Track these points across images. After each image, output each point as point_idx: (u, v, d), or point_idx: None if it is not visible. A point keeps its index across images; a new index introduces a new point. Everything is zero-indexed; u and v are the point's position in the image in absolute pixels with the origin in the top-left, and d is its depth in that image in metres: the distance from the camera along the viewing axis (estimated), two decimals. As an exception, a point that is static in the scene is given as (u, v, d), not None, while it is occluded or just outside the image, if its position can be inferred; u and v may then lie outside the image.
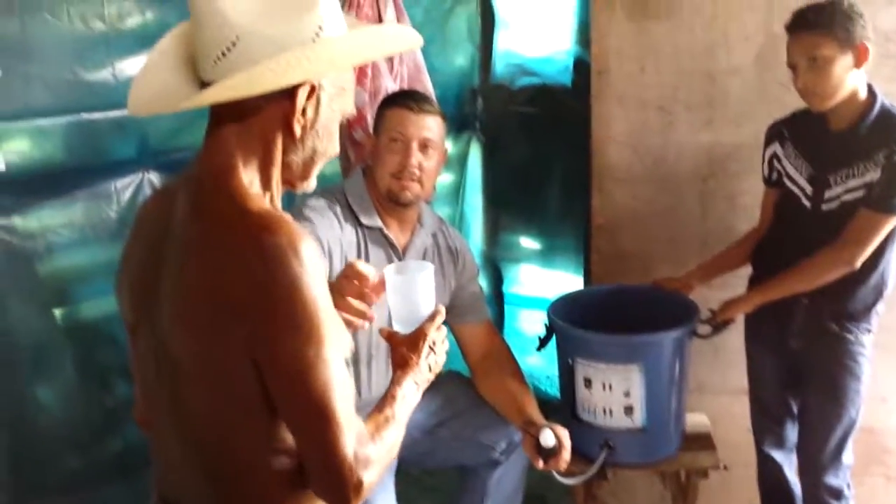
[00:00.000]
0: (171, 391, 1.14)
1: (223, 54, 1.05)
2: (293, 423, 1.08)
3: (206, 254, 1.06)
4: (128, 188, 2.07)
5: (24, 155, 1.90)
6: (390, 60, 2.35)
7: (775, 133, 2.16)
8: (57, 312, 2.02)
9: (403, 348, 1.37)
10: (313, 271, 1.03)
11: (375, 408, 1.23)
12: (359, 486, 1.07)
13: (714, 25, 2.37)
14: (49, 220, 1.97)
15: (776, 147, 2.14)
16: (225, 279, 1.03)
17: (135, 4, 2.01)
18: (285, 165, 1.15)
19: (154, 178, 2.10)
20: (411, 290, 1.40)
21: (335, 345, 1.06)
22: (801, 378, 2.19)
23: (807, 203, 2.07)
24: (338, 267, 1.95)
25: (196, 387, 1.10)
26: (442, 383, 2.25)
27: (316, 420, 1.05)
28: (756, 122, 2.29)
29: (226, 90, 1.03)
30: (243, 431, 1.10)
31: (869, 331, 2.09)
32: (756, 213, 2.28)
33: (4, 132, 1.83)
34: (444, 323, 2.20)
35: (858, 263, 1.96)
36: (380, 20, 2.30)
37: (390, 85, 2.34)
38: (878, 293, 2.06)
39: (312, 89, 1.10)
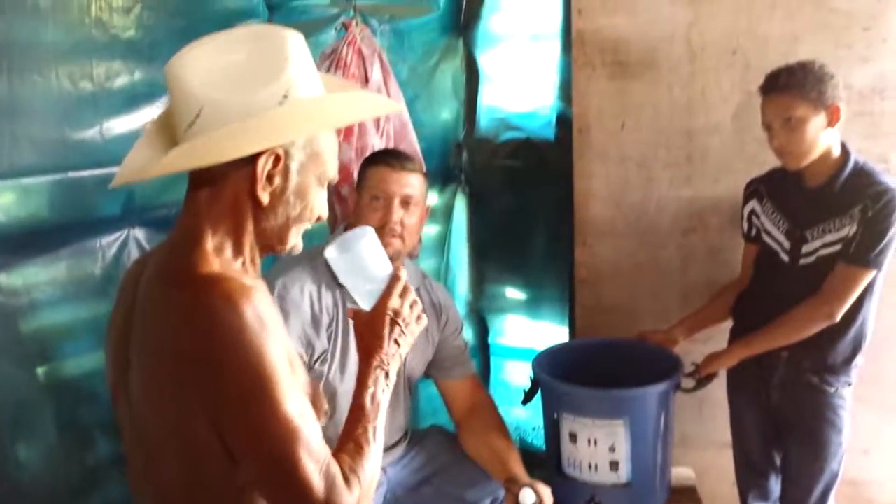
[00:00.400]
0: (143, 457, 1.14)
1: (191, 125, 1.06)
2: (258, 481, 1.07)
3: (161, 319, 1.07)
4: (113, 245, 2.06)
5: (8, 213, 1.89)
6: (377, 118, 2.38)
7: (753, 191, 2.21)
8: (40, 370, 2.00)
9: (363, 331, 1.30)
10: (257, 327, 1.03)
11: (345, 431, 1.20)
12: None
13: (692, 85, 2.43)
14: (33, 277, 1.96)
15: (754, 204, 2.19)
16: (176, 343, 1.04)
17: (123, 65, 2.03)
18: (259, 232, 1.15)
19: (139, 234, 2.10)
20: (359, 264, 1.31)
21: (289, 395, 1.04)
22: (782, 431, 2.20)
23: (785, 257, 2.10)
24: (323, 336, 1.96)
25: (164, 453, 1.10)
26: (425, 439, 2.25)
27: (280, 476, 1.04)
28: (734, 178, 2.34)
29: (176, 159, 1.04)
30: (213, 498, 1.10)
31: (849, 384, 2.11)
32: (736, 265, 2.32)
33: (-9, 191, 1.84)
34: (427, 376, 2.22)
35: (838, 317, 2.00)
36: (366, 80, 2.34)
37: (377, 142, 2.37)
38: (857, 346, 2.08)
39: (277, 158, 1.10)
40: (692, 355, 2.26)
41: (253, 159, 1.07)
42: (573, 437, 2.09)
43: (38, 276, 1.97)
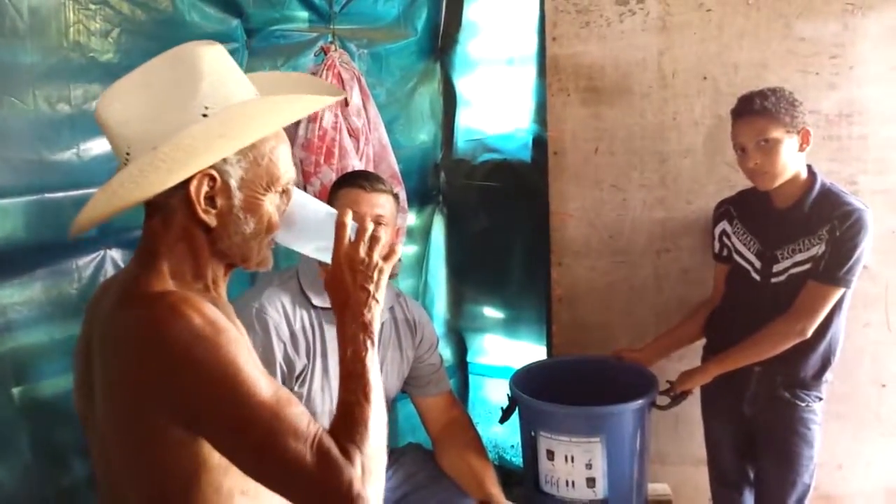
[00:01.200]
0: (109, 481, 1.14)
1: (125, 163, 1.06)
2: (257, 476, 1.05)
3: (114, 341, 1.07)
4: (89, 266, 2.07)
5: (-15, 234, 1.90)
6: (356, 140, 2.41)
7: (723, 212, 2.26)
8: (15, 391, 1.99)
9: (329, 289, 1.20)
10: (207, 330, 1.01)
11: (339, 402, 1.15)
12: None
13: (664, 110, 2.48)
14: (9, 297, 1.96)
15: (725, 225, 2.23)
16: (131, 363, 1.04)
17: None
18: (217, 253, 1.13)
19: (116, 255, 2.10)
20: (299, 226, 1.21)
21: (258, 384, 1.02)
22: (755, 445, 2.23)
23: (756, 276, 2.15)
24: (303, 354, 1.97)
25: (126, 477, 1.10)
26: (402, 457, 2.26)
27: (272, 464, 1.02)
28: (706, 200, 2.39)
29: (100, 203, 1.03)
30: None
31: (819, 398, 2.15)
32: (707, 285, 2.36)
33: (-33, 212, 1.84)
34: (404, 392, 2.23)
35: (810, 333, 2.05)
36: (345, 103, 2.37)
37: (357, 164, 2.40)
38: (827, 361, 2.13)
39: (213, 177, 1.08)
40: (667, 373, 2.29)
41: (186, 185, 1.05)
42: (550, 455, 2.10)
43: (13, 296, 1.97)
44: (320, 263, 1.25)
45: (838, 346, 2.14)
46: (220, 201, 1.09)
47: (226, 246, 1.13)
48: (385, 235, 2.04)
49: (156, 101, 1.05)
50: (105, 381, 1.09)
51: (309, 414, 1.08)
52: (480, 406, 3.35)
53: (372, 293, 1.18)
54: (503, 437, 3.19)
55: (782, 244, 2.10)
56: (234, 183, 1.09)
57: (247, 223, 1.12)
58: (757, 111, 2.02)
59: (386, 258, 1.21)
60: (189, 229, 1.10)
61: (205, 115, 1.05)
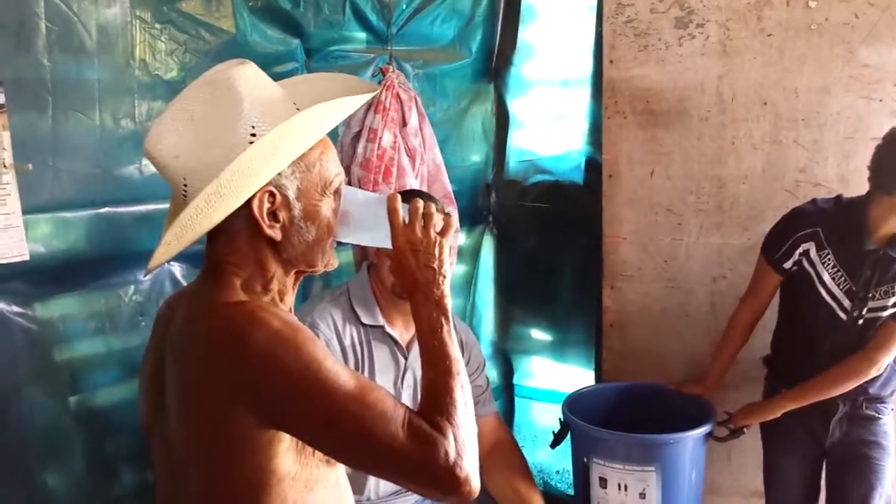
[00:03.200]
0: (174, 496, 1.15)
1: (184, 198, 1.07)
2: (359, 465, 1.11)
3: (192, 355, 1.08)
4: (147, 279, 2.11)
5: (48, 245, 1.94)
6: (412, 159, 2.42)
7: (813, 234, 2.11)
8: (71, 399, 2.03)
9: (397, 275, 1.25)
10: (289, 333, 1.04)
11: (423, 383, 1.16)
12: (458, 476, 1.05)
13: (722, 134, 2.45)
14: (69, 308, 2.01)
15: (810, 247, 2.11)
16: (211, 373, 1.05)
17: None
18: (288, 262, 1.15)
19: (175, 269, 2.14)
20: (355, 218, 1.22)
21: (340, 375, 1.04)
22: (834, 467, 2.19)
23: (842, 315, 2.09)
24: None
25: (198, 491, 1.11)
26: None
27: (370, 452, 1.05)
28: (764, 226, 2.32)
29: (174, 242, 1.06)
30: None
31: (893, 409, 2.15)
32: (769, 313, 2.28)
33: (32, 223, 1.88)
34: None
35: (884, 368, 2.05)
36: (404, 123, 2.40)
37: (413, 182, 2.42)
38: (893, 375, 2.13)
39: (272, 193, 1.10)
40: (722, 403, 2.25)
41: (248, 204, 1.08)
42: (603, 483, 2.07)
43: (73, 307, 2.02)
44: (380, 251, 1.25)
45: None
46: (281, 214, 1.12)
47: (292, 255, 1.15)
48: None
49: (202, 130, 1.07)
50: (181, 393, 1.10)
51: (392, 395, 1.10)
52: (526, 429, 3.32)
53: (437, 270, 1.19)
54: (548, 462, 3.15)
55: (877, 286, 2.05)
56: (291, 195, 1.12)
57: (308, 231, 1.14)
58: None
59: (443, 233, 1.21)
60: (255, 246, 1.13)
61: (253, 135, 1.07)
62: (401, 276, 1.22)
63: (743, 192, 2.46)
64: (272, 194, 1.09)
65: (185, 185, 1.07)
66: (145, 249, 2.06)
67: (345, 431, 1.04)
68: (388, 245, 1.21)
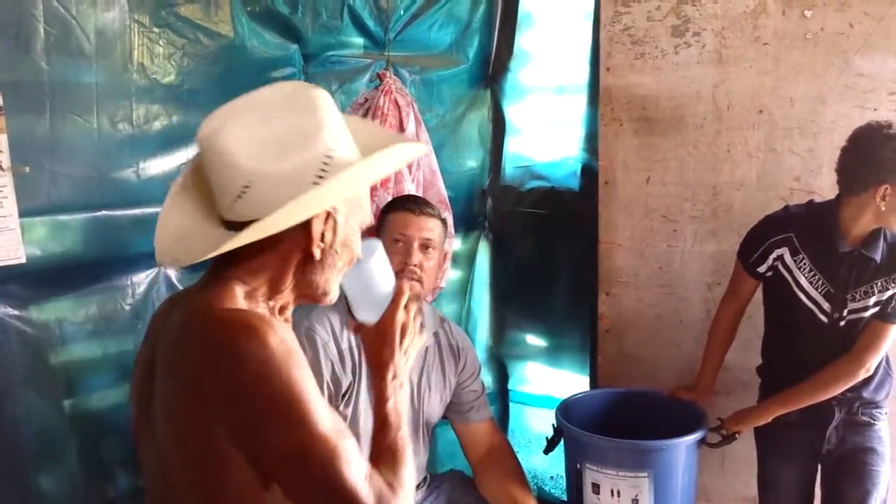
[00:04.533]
0: (164, 493, 1.15)
1: (239, 196, 1.09)
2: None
3: (185, 356, 1.09)
4: (143, 283, 2.11)
5: (44, 248, 1.94)
6: (409, 165, 2.43)
7: (786, 240, 2.12)
8: (66, 402, 2.03)
9: (375, 343, 1.31)
10: (283, 353, 1.04)
11: (374, 444, 1.23)
12: None
13: (717, 142, 2.46)
14: (64, 311, 2.00)
15: (784, 252, 2.12)
16: (197, 379, 1.05)
17: (161, 108, 2.09)
18: (306, 283, 1.18)
19: (171, 272, 2.14)
20: (368, 276, 1.32)
21: (324, 415, 1.05)
22: (830, 474, 2.19)
23: (823, 318, 2.10)
24: (349, 372, 1.98)
25: (187, 492, 1.11)
26: (443, 484, 2.25)
27: (330, 495, 1.05)
28: (759, 235, 2.34)
29: (255, 232, 1.07)
30: None
31: (886, 414, 2.15)
32: (760, 321, 2.30)
33: (28, 226, 1.88)
34: (445, 419, 2.23)
35: (873, 369, 2.05)
36: (401, 129, 2.40)
37: (410, 188, 2.43)
38: (887, 378, 2.14)
39: (328, 214, 1.14)
40: (714, 409, 2.25)
41: (307, 221, 1.11)
42: (596, 488, 2.08)
43: (68, 310, 2.02)
44: (355, 317, 1.36)
45: (893, 363, 2.15)
46: (328, 237, 1.15)
47: (315, 276, 1.18)
48: (433, 259, 2.08)
49: (280, 142, 1.09)
50: (170, 392, 1.10)
51: (357, 445, 1.11)
52: (521, 434, 3.32)
53: (409, 360, 1.32)
54: (542, 467, 3.15)
55: (855, 287, 2.06)
56: (341, 220, 1.16)
57: (340, 257, 1.19)
58: None
59: (419, 331, 1.34)
60: (286, 258, 1.15)
61: (328, 157, 1.11)
62: (379, 346, 1.30)
63: (738, 200, 2.47)
64: (329, 215, 1.14)
65: (247, 187, 1.08)
66: (142, 253, 2.10)
67: (312, 469, 1.05)
68: (368, 312, 1.32)
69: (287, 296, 1.19)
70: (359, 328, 1.35)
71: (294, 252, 1.15)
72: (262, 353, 1.03)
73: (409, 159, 1.33)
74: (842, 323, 2.08)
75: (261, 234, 1.07)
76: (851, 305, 2.06)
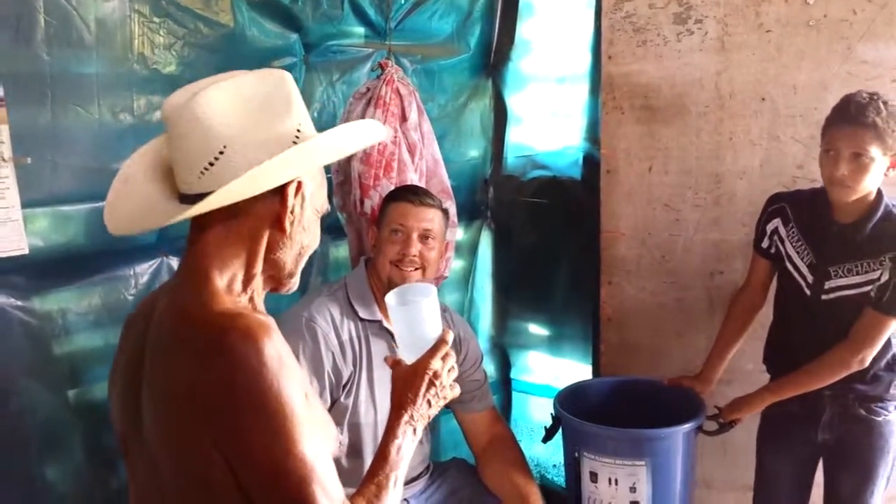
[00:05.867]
0: (159, 498, 1.14)
1: (210, 164, 1.08)
2: None
3: (173, 357, 1.08)
4: (146, 272, 2.12)
5: (47, 239, 1.95)
6: (412, 154, 2.43)
7: (779, 210, 2.15)
8: (70, 393, 2.03)
9: (401, 383, 1.33)
10: (276, 366, 1.03)
11: (368, 474, 1.23)
12: None
13: (720, 130, 2.45)
14: (67, 302, 2.01)
15: (778, 223, 2.14)
16: (190, 380, 1.04)
17: (162, 98, 2.06)
18: (272, 263, 1.17)
19: (174, 262, 2.14)
20: (415, 317, 1.36)
21: (307, 435, 1.04)
22: (830, 467, 2.17)
23: (807, 290, 2.08)
24: (350, 363, 1.99)
25: (180, 495, 1.10)
26: (446, 472, 2.26)
27: None
28: (761, 223, 2.33)
29: (228, 194, 1.06)
30: None
31: (892, 411, 2.10)
32: (764, 310, 2.29)
33: (30, 217, 1.88)
34: (447, 407, 2.22)
35: (868, 362, 2.00)
36: (404, 118, 2.40)
37: (413, 177, 2.42)
38: (892, 369, 2.08)
39: (299, 186, 1.14)
40: (714, 397, 2.25)
41: (280, 190, 1.11)
42: (594, 477, 2.08)
43: (71, 301, 2.02)
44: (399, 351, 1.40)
45: None
46: (297, 209, 1.15)
47: (285, 254, 1.17)
48: (434, 249, 2.08)
49: (255, 111, 1.10)
50: (161, 397, 1.09)
51: (336, 472, 1.10)
52: (523, 423, 3.33)
53: (432, 408, 1.33)
54: (545, 456, 3.16)
55: (837, 262, 2.03)
56: (307, 196, 1.16)
57: (306, 235, 1.19)
58: (867, 124, 1.90)
59: (452, 385, 1.36)
60: (259, 233, 1.14)
61: (299, 132, 1.13)
62: (403, 388, 1.32)
63: (741, 188, 2.46)
64: (300, 185, 1.14)
65: (221, 152, 1.08)
66: (143, 243, 2.10)
67: (286, 486, 1.03)
68: (408, 352, 1.36)
69: (258, 281, 1.17)
70: (395, 364, 1.37)
71: (263, 224, 1.14)
72: (255, 364, 1.02)
73: (376, 137, 1.33)
74: (824, 297, 2.05)
75: (237, 196, 1.06)
76: (834, 280, 2.03)
